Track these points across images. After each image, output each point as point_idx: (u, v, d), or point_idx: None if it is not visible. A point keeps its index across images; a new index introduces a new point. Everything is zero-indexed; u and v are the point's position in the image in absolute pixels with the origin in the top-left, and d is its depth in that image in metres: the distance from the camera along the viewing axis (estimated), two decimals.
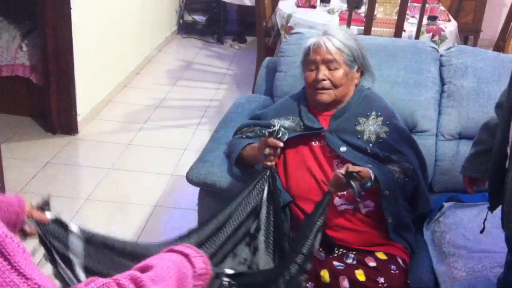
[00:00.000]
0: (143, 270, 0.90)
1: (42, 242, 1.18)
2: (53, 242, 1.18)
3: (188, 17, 5.86)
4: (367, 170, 1.69)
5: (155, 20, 5.17)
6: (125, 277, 0.84)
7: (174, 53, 5.47)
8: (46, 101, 3.60)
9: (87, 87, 3.72)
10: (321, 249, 1.78)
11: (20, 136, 3.54)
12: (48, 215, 1.19)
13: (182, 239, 1.42)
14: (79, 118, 3.65)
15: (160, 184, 3.15)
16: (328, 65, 1.87)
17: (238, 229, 1.59)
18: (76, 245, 1.19)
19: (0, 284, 0.66)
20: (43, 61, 3.55)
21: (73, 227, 1.21)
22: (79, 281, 1.18)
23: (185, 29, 5.89)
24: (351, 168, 1.63)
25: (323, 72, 1.87)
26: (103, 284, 0.80)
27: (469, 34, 5.81)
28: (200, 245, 1.45)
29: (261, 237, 1.62)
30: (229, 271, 1.14)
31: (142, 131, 3.78)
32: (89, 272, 1.21)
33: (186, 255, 0.97)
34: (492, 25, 5.67)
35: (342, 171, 1.63)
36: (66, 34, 3.43)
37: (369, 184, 1.69)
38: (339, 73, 1.87)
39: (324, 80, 1.86)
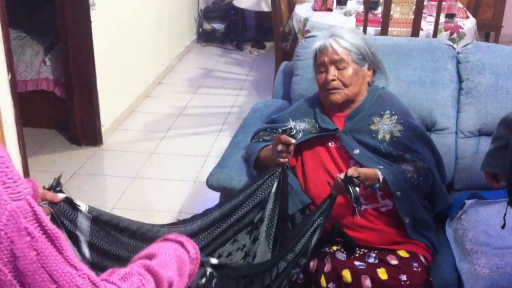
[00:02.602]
0: (148, 258, 0.94)
1: (54, 221, 1.23)
2: (63, 220, 1.24)
3: (207, 26, 5.92)
4: (375, 172, 1.70)
5: (174, 30, 5.24)
6: (139, 267, 0.89)
7: (194, 62, 5.53)
8: (70, 114, 3.69)
9: (109, 98, 3.80)
10: (342, 250, 1.79)
11: (46, 149, 3.62)
12: (60, 196, 1.25)
13: (185, 223, 1.47)
14: (103, 129, 3.72)
15: (183, 191, 3.20)
16: (337, 65, 1.88)
17: (242, 218, 1.62)
18: (83, 223, 1.26)
19: (60, 275, 0.71)
20: (66, 74, 3.64)
21: (82, 206, 1.26)
22: (84, 257, 1.25)
23: (204, 37, 5.95)
24: (351, 172, 1.63)
25: (332, 72, 1.88)
26: (126, 273, 0.84)
27: (490, 30, 5.74)
28: (203, 230, 1.49)
29: (263, 228, 1.65)
30: (214, 261, 1.18)
31: (165, 139, 3.83)
32: (93, 249, 1.27)
33: (180, 242, 1.02)
34: None
35: (341, 175, 1.64)
36: (87, 47, 3.51)
37: (377, 185, 1.70)
38: (348, 72, 1.88)
39: (333, 80, 1.88)
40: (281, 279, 1.52)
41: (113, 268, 0.86)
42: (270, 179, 1.68)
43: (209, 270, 1.16)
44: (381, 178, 1.70)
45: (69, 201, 1.25)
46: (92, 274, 0.77)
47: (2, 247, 0.66)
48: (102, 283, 0.78)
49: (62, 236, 0.74)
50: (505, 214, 1.57)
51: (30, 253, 0.68)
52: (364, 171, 1.69)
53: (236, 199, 1.62)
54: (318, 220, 1.62)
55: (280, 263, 1.52)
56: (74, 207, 1.25)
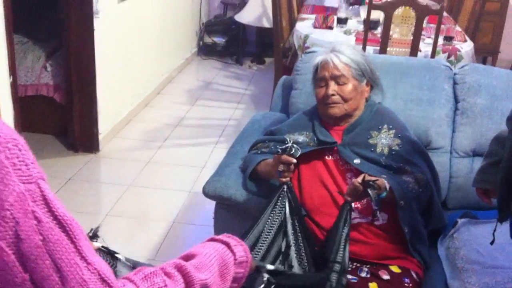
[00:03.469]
0: (187, 258, 0.93)
1: None
2: None
3: (208, 39, 5.97)
4: (383, 180, 1.72)
5: (175, 42, 5.29)
6: (171, 266, 0.87)
7: (194, 74, 5.57)
8: (68, 120, 3.71)
9: (108, 106, 3.82)
10: None
11: (43, 154, 3.63)
12: (96, 244, 1.24)
13: None
14: (100, 136, 3.73)
15: (178, 200, 3.21)
16: (337, 80, 1.92)
17: (269, 249, 1.63)
18: (123, 272, 1.23)
19: (65, 264, 0.70)
20: (66, 80, 3.66)
21: (120, 256, 1.25)
22: None
23: (205, 50, 6.00)
24: (368, 177, 1.66)
25: (332, 87, 1.91)
26: (150, 273, 0.83)
27: (487, 55, 5.82)
28: None
29: (293, 253, 1.66)
30: (270, 267, 1.16)
31: (162, 149, 3.85)
32: None
33: (227, 244, 1.00)
34: (510, 46, 5.68)
35: (359, 179, 1.66)
36: (89, 54, 3.54)
37: (384, 194, 1.71)
38: (348, 87, 1.92)
39: (333, 95, 1.91)
40: None
41: (141, 267, 0.85)
42: (280, 199, 1.71)
43: (266, 276, 1.14)
44: (387, 186, 1.72)
45: (106, 250, 1.24)
46: (105, 271, 0.74)
47: (7, 227, 0.66)
48: (120, 280, 0.77)
49: (77, 226, 0.73)
50: (494, 230, 1.59)
51: (35, 237, 0.68)
52: (374, 178, 1.70)
53: (256, 227, 1.64)
54: (344, 230, 1.64)
55: (332, 274, 1.53)
56: (113, 256, 1.25)
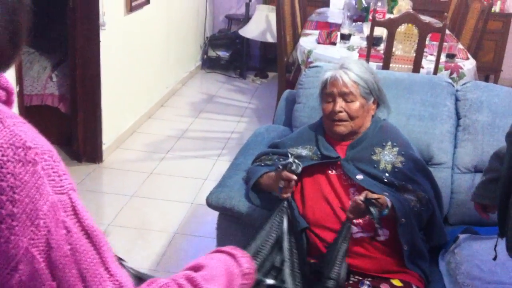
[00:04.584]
0: (195, 269, 0.94)
1: None
2: None
3: (212, 53, 6.02)
4: (385, 198, 1.73)
5: (180, 55, 5.33)
6: (182, 277, 0.88)
7: (198, 87, 5.61)
8: (73, 130, 3.73)
9: (112, 117, 3.85)
10: None
11: None
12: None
13: None
14: (104, 147, 3.76)
15: (180, 212, 3.22)
16: (345, 97, 1.93)
17: (264, 263, 1.64)
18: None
19: (90, 274, 0.72)
20: (71, 91, 3.69)
21: (124, 263, 1.26)
22: None
23: (209, 64, 6.04)
24: (370, 195, 1.68)
25: (340, 104, 1.93)
26: (164, 284, 0.84)
27: (489, 73, 5.85)
28: None
29: (287, 269, 1.67)
30: (270, 281, 1.17)
31: (165, 160, 3.87)
32: None
33: (233, 255, 1.02)
34: None
35: (361, 197, 1.67)
36: (94, 66, 3.57)
37: (386, 211, 1.73)
38: (355, 105, 1.93)
39: (341, 112, 1.93)
40: None
41: (153, 278, 0.86)
42: (279, 214, 1.73)
43: None
44: (389, 204, 1.74)
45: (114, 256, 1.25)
46: (127, 283, 0.76)
47: (40, 235, 0.68)
48: None
49: (103, 237, 0.74)
50: (495, 245, 1.60)
51: (64, 247, 0.70)
52: (377, 195, 1.72)
53: (254, 242, 1.65)
54: (342, 246, 1.65)
55: None
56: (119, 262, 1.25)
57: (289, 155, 1.79)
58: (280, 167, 1.76)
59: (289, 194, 1.77)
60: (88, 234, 0.73)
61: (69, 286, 0.70)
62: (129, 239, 2.96)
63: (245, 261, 1.04)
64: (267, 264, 1.65)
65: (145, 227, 3.08)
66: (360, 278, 1.81)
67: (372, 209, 1.64)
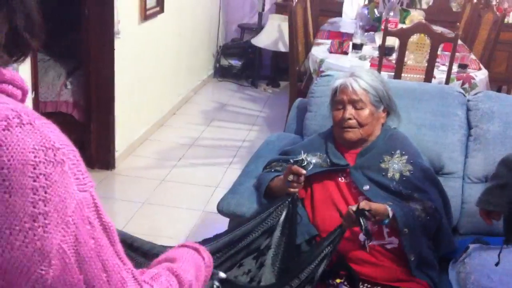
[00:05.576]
0: (170, 261, 0.99)
1: None
2: None
3: (224, 62, 6.06)
4: (385, 208, 1.74)
5: (192, 64, 5.38)
6: (164, 268, 0.94)
7: (210, 95, 5.65)
8: (86, 137, 3.77)
9: (125, 125, 3.89)
10: (345, 283, 1.82)
11: None
12: None
13: None
14: (116, 154, 3.79)
15: (191, 219, 3.24)
16: (355, 104, 1.95)
17: (250, 244, 1.66)
18: None
19: (110, 265, 0.76)
20: (85, 98, 3.74)
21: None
22: None
23: (221, 72, 6.08)
24: (363, 205, 1.68)
25: (350, 111, 1.95)
26: (155, 274, 0.89)
27: (502, 84, 5.83)
28: (212, 254, 1.53)
29: (270, 255, 1.68)
30: (223, 275, 1.21)
31: (176, 168, 3.90)
32: None
33: (196, 249, 1.08)
34: None
35: (353, 207, 1.68)
36: (108, 73, 3.62)
37: (386, 221, 1.74)
38: (365, 112, 1.95)
39: (350, 119, 1.95)
40: None
41: (143, 269, 0.91)
42: (280, 207, 1.74)
43: (216, 284, 1.20)
44: (390, 214, 1.74)
45: None
46: (135, 270, 0.82)
47: (69, 231, 0.72)
48: (141, 280, 0.83)
49: (115, 230, 0.79)
50: (500, 252, 1.60)
51: (89, 241, 0.74)
52: (375, 206, 1.73)
53: (246, 225, 1.67)
54: (327, 249, 1.65)
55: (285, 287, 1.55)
56: None
57: (302, 152, 1.80)
58: (291, 161, 1.78)
59: (296, 190, 1.77)
60: (105, 228, 0.77)
61: (94, 277, 0.75)
62: None
63: (206, 255, 1.09)
64: (253, 245, 1.67)
65: (156, 234, 3.10)
66: (370, 286, 1.82)
67: (362, 220, 1.65)
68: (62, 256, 0.71)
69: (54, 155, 0.72)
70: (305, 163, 1.73)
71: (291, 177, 1.76)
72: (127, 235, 1.39)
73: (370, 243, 1.83)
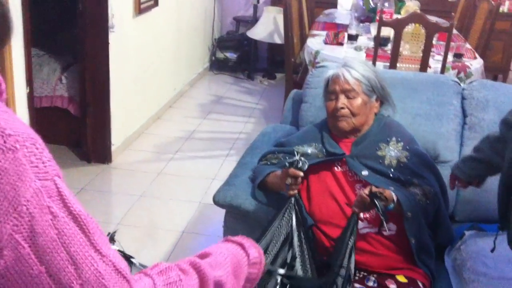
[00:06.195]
0: (202, 257, 0.96)
1: None
2: None
3: (220, 55, 6.05)
4: (390, 192, 1.75)
5: (188, 57, 5.37)
6: (185, 262, 0.91)
7: (206, 88, 5.64)
8: (82, 131, 3.77)
9: (121, 119, 3.88)
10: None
11: (57, 164, 3.68)
12: (114, 247, 1.26)
13: None
14: (113, 148, 3.79)
15: (188, 211, 3.24)
16: (347, 94, 1.96)
17: (275, 260, 1.65)
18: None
19: (80, 257, 0.73)
20: (81, 93, 3.74)
21: (135, 261, 1.27)
22: None
23: (217, 65, 6.08)
24: (375, 188, 1.70)
25: (342, 101, 1.96)
26: (166, 268, 0.87)
27: (497, 73, 5.84)
28: None
29: (298, 265, 1.68)
30: (281, 271, 1.19)
31: (173, 161, 3.90)
32: None
33: (241, 244, 1.04)
34: None
35: (366, 191, 1.69)
36: (103, 68, 3.61)
37: (391, 205, 1.74)
38: (358, 101, 1.96)
39: (343, 108, 1.95)
40: None
41: (157, 262, 0.88)
42: (287, 211, 1.74)
43: (279, 278, 1.17)
44: (395, 198, 1.75)
45: (123, 254, 1.24)
46: (120, 263, 0.77)
47: (23, 221, 0.69)
48: (136, 275, 0.80)
49: (91, 221, 0.76)
50: (495, 239, 1.62)
51: (50, 231, 0.71)
52: (383, 190, 1.73)
53: (264, 239, 1.65)
54: (350, 241, 1.66)
55: (338, 278, 1.54)
56: (128, 260, 1.27)
57: (296, 153, 1.81)
58: (287, 164, 1.78)
59: (296, 192, 1.78)
60: (76, 218, 0.74)
61: (59, 269, 0.71)
62: (138, 238, 2.99)
63: (254, 251, 1.05)
64: (279, 261, 1.66)
65: (153, 227, 3.11)
66: (366, 274, 1.83)
67: (377, 202, 1.66)
68: (15, 246, 0.68)
69: (4, 141, 0.69)
70: (301, 164, 1.74)
71: (289, 181, 1.77)
72: (143, 265, 1.35)
73: (366, 232, 1.84)
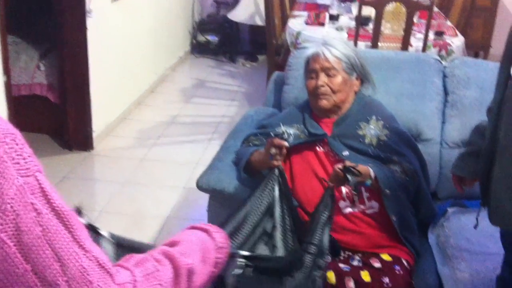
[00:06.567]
0: (171, 245, 0.96)
1: None
2: None
3: (201, 38, 6.00)
4: (367, 168, 1.76)
5: (169, 41, 5.31)
6: (158, 252, 0.91)
7: (187, 72, 5.59)
8: (62, 119, 3.72)
9: (102, 105, 3.83)
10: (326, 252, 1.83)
11: (38, 153, 3.53)
12: (81, 220, 1.25)
13: None
14: (94, 135, 3.75)
15: (172, 197, 3.23)
16: (327, 72, 1.95)
17: (255, 229, 1.63)
18: (108, 248, 1.25)
19: (65, 253, 0.72)
20: (60, 80, 3.68)
21: (104, 232, 1.27)
22: None
23: (198, 49, 6.02)
24: (348, 163, 1.69)
25: (322, 79, 1.95)
26: (142, 259, 0.86)
27: (478, 50, 5.86)
28: None
29: (278, 235, 1.67)
30: (244, 253, 1.19)
31: (156, 146, 3.87)
32: None
33: (206, 231, 1.05)
34: (502, 41, 5.72)
35: (340, 166, 1.69)
36: (82, 54, 3.55)
37: (369, 182, 1.75)
38: (338, 79, 1.95)
39: (323, 86, 1.95)
40: (305, 277, 1.51)
41: (130, 254, 0.87)
42: (270, 182, 1.72)
43: (242, 261, 1.17)
44: (372, 175, 1.76)
45: (91, 228, 1.27)
46: (102, 257, 0.77)
47: (7, 220, 0.67)
48: (114, 267, 0.79)
49: (74, 216, 0.74)
50: (477, 215, 1.63)
51: (35, 229, 0.69)
52: (359, 165, 1.73)
53: (244, 208, 1.61)
54: (323, 214, 1.60)
55: (306, 256, 1.53)
56: (97, 233, 1.25)
57: (281, 125, 1.79)
58: (272, 134, 1.77)
59: (280, 162, 1.75)
60: (59, 214, 0.73)
61: (44, 267, 0.70)
62: (123, 225, 2.96)
63: (219, 236, 1.06)
64: (258, 230, 1.65)
65: (138, 213, 3.09)
66: (351, 254, 1.83)
67: (349, 177, 1.65)
68: (0, 246, 0.67)
69: None
70: (286, 136, 1.73)
71: (273, 151, 1.76)
72: (133, 241, 1.34)
73: (349, 212, 1.84)
